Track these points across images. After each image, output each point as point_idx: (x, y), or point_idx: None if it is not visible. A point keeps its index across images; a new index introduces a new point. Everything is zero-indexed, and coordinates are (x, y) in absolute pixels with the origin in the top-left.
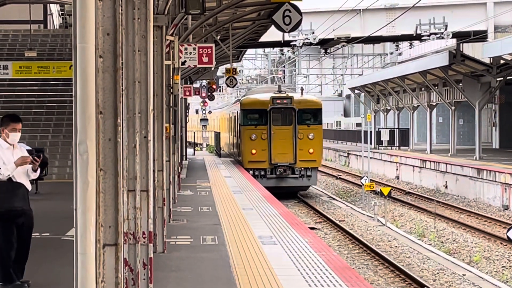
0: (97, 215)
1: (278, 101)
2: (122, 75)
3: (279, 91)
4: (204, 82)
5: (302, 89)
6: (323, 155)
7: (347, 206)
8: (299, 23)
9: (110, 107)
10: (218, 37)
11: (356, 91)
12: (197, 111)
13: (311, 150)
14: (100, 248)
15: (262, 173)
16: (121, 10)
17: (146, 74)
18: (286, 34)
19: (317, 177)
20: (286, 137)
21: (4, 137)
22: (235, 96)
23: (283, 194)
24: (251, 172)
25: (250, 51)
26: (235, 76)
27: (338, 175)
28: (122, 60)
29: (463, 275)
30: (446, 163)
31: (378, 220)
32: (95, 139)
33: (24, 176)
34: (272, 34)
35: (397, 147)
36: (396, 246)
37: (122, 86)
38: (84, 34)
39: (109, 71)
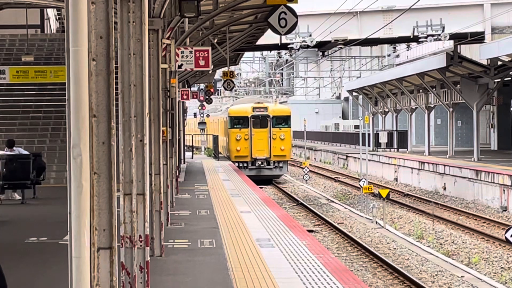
0: (91, 218)
1: (257, 110)
2: (116, 79)
3: (258, 102)
4: (202, 86)
5: (276, 100)
6: (292, 151)
7: (345, 208)
8: (294, 26)
9: (103, 110)
10: (215, 41)
11: (354, 94)
12: (195, 115)
13: (282, 147)
14: (95, 252)
15: (245, 165)
16: (115, 13)
17: (141, 77)
18: (283, 37)
19: (287, 168)
20: (263, 137)
21: None
22: (233, 99)
23: (261, 181)
24: (236, 164)
25: (247, 54)
26: (233, 79)
27: (337, 177)
28: (117, 63)
29: (462, 276)
30: (445, 165)
31: (376, 222)
32: (88, 143)
33: None
34: (269, 37)
35: (396, 149)
36: (395, 248)
37: (117, 89)
38: (77, 38)
39: (102, 74)
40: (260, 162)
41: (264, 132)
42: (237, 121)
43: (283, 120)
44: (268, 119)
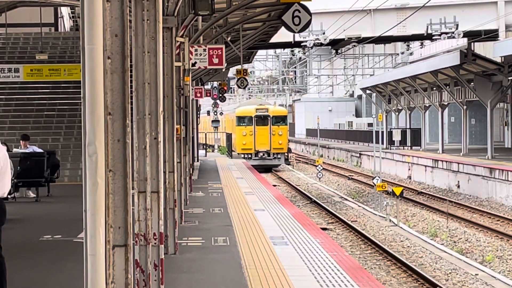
0: (107, 216)
1: (260, 110)
2: (131, 77)
3: (260, 104)
4: (215, 84)
5: (275, 102)
6: (288, 145)
7: (359, 206)
8: (308, 24)
9: (118, 108)
10: (229, 39)
11: (368, 91)
12: (208, 113)
13: (280, 142)
14: (110, 249)
15: (250, 156)
16: (130, 11)
17: (155, 75)
18: (296, 35)
19: (284, 159)
20: (265, 133)
21: None
22: (246, 97)
23: (263, 169)
24: (242, 155)
25: (261, 52)
26: (246, 77)
27: (350, 175)
28: (131, 61)
29: (476, 274)
30: (458, 163)
31: (390, 220)
32: (104, 140)
33: None
34: (282, 35)
35: (409, 147)
36: (409, 246)
37: (131, 87)
38: (92, 36)
39: (118, 72)
40: (262, 154)
41: (265, 129)
42: (243, 120)
43: (281, 119)
44: (269, 118)
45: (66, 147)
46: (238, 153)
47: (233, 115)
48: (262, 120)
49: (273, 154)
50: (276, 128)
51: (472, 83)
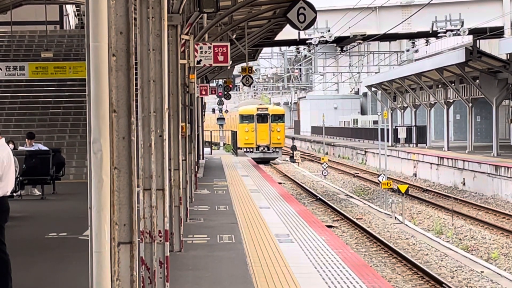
0: (112, 213)
1: (260, 109)
2: (136, 74)
3: (261, 104)
4: (221, 81)
5: (277, 103)
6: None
7: (364, 204)
8: (313, 21)
9: (123, 106)
10: (234, 36)
11: (373, 89)
12: (213, 110)
13: (278, 137)
14: (115, 246)
15: (251, 150)
16: (134, 9)
17: (161, 73)
18: (302, 32)
19: (281, 153)
20: (265, 130)
21: None
22: (252, 95)
23: (263, 162)
24: (244, 149)
25: (266, 50)
26: (251, 75)
27: (356, 173)
28: (136, 59)
29: (481, 272)
30: (464, 160)
31: (395, 217)
32: (109, 138)
33: None
34: (288, 33)
35: (414, 145)
36: (414, 244)
37: (136, 85)
38: (97, 33)
39: (123, 70)
40: (262, 148)
41: (265, 126)
42: (245, 118)
43: (279, 117)
44: (268, 116)
45: (72, 145)
46: (241, 148)
47: (235, 114)
48: (262, 118)
49: (272, 148)
50: (275, 125)
51: (477, 81)
